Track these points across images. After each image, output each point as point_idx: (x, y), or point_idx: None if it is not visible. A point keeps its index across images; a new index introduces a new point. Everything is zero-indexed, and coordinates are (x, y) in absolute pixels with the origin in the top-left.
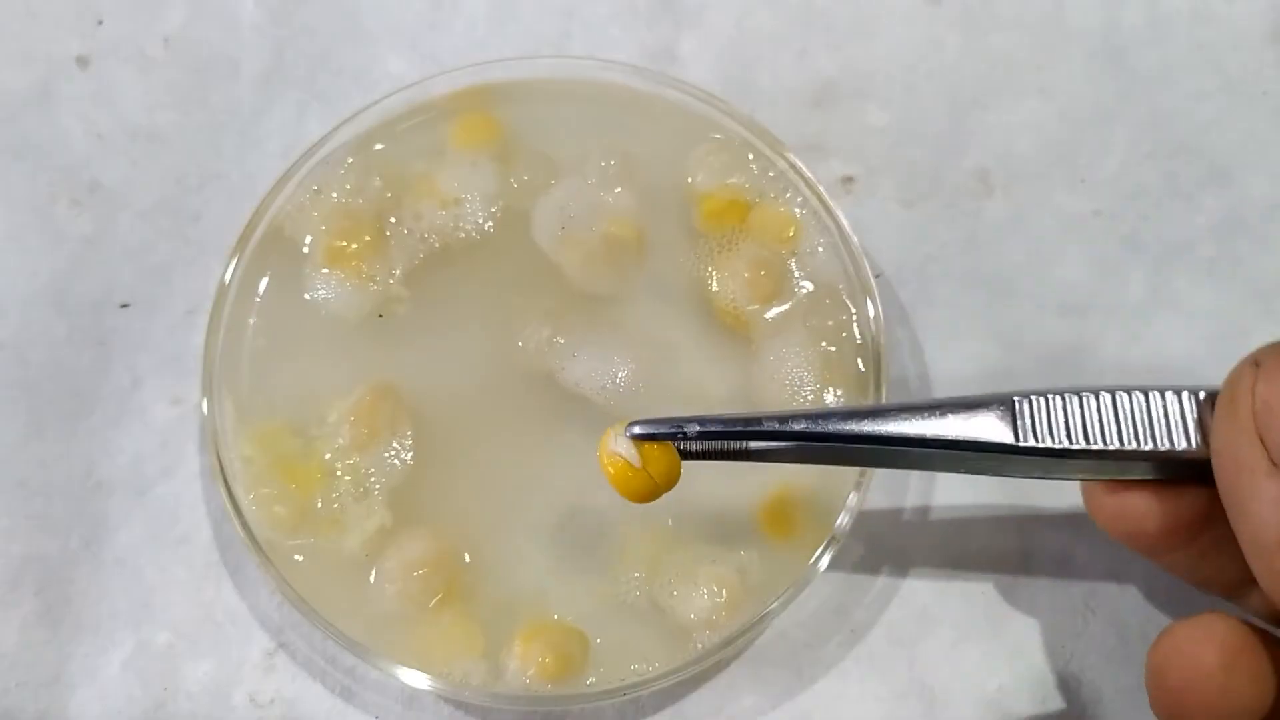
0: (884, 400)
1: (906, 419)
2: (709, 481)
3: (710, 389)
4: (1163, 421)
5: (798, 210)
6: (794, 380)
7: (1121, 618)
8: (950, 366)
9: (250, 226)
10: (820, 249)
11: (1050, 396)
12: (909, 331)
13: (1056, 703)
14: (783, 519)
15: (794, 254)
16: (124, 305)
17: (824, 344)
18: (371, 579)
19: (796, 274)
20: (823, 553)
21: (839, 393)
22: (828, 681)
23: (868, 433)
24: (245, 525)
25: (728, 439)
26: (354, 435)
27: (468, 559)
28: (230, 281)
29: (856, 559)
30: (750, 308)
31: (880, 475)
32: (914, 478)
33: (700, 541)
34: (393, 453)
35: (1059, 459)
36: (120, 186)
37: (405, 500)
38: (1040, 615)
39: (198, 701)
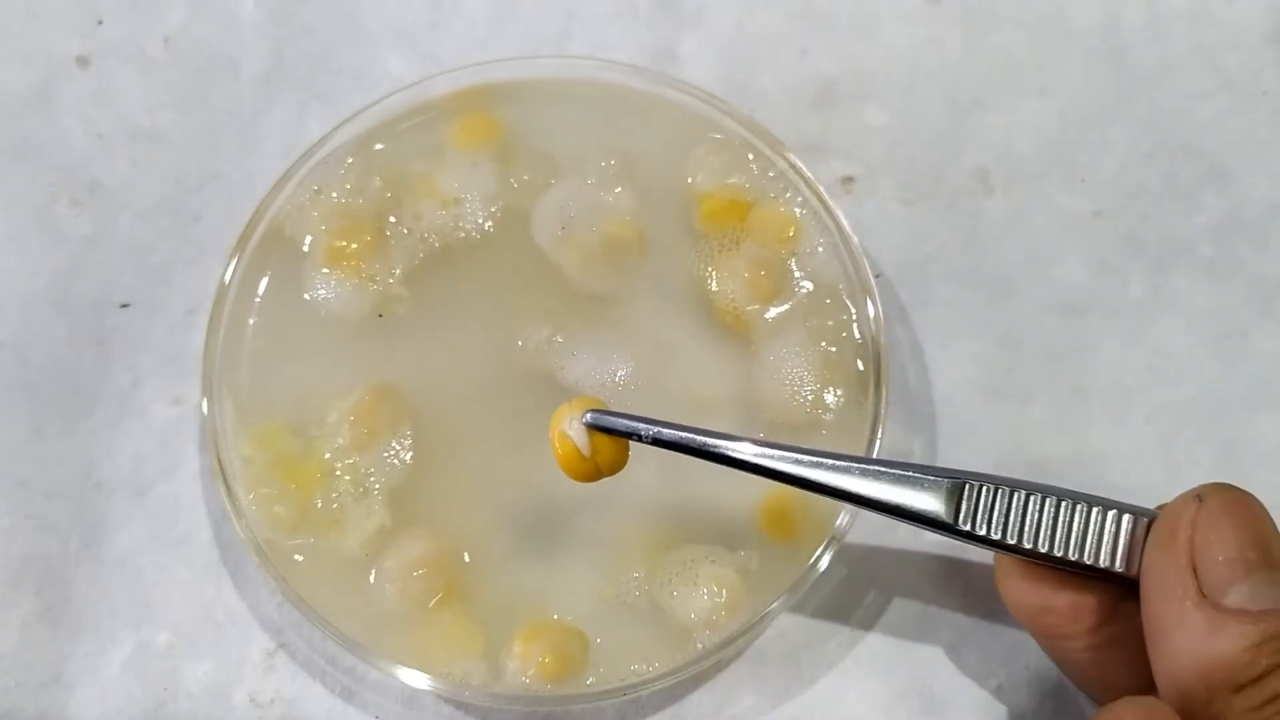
0: (883, 402)
1: (853, 475)
2: (709, 481)
3: (710, 389)
4: (1098, 538)
5: (798, 210)
6: (794, 380)
7: None
8: (950, 366)
9: (250, 226)
10: (820, 249)
11: (1000, 490)
12: (909, 331)
13: (1056, 703)
14: (783, 519)
15: (794, 254)
16: (124, 305)
17: (824, 344)
18: (371, 579)
19: (796, 274)
20: (823, 553)
21: (839, 392)
22: (828, 681)
23: (809, 478)
24: (245, 525)
25: (678, 451)
26: (354, 435)
27: (467, 558)
28: (230, 281)
29: (856, 559)
30: (750, 308)
31: None
32: None
33: (700, 541)
34: (392, 452)
35: (989, 545)
36: (120, 186)
37: (405, 500)
38: None
39: (198, 701)
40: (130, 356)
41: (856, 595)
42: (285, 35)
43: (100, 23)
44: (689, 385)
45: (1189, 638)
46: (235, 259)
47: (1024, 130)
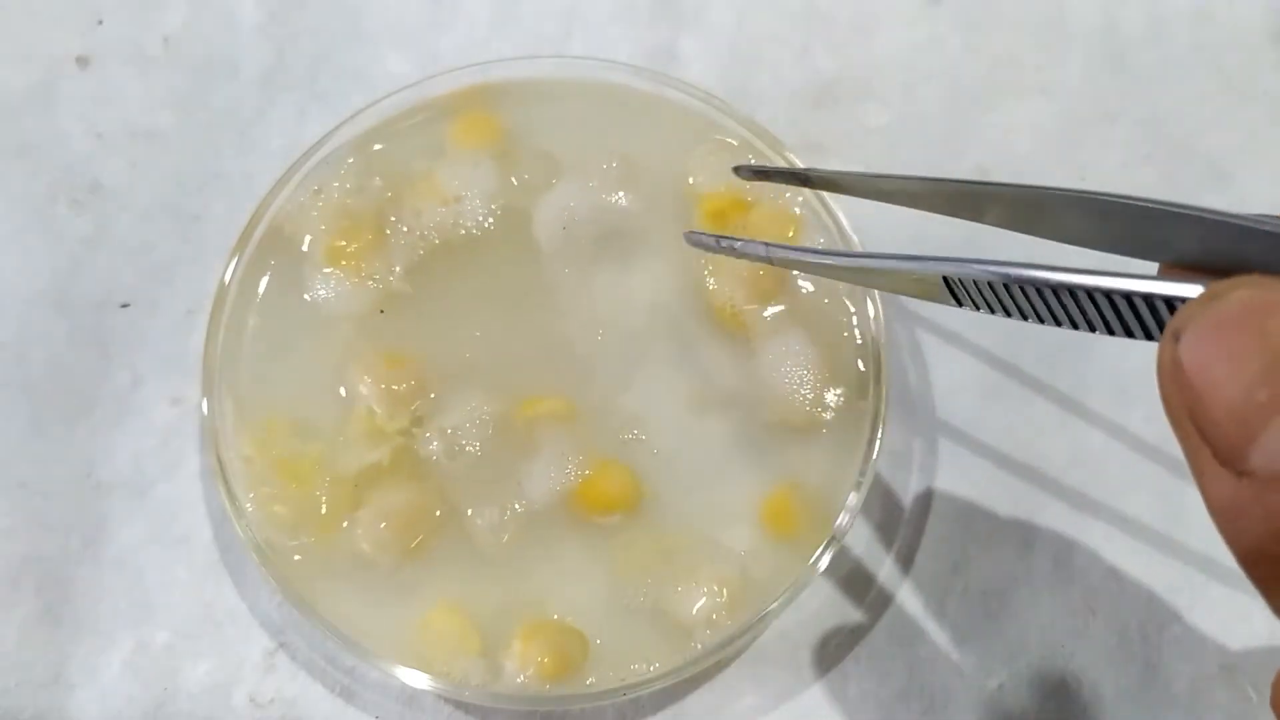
0: (883, 402)
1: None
2: (709, 481)
3: (710, 387)
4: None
5: (797, 210)
6: (794, 380)
7: (1121, 618)
8: (950, 366)
9: (250, 226)
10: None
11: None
12: (909, 331)
13: (1056, 703)
14: (783, 519)
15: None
16: (124, 305)
17: (824, 344)
18: (344, 525)
19: (797, 274)
20: (823, 553)
21: (839, 392)
22: (828, 681)
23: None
24: (245, 525)
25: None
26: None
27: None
28: (230, 281)
29: (856, 559)
30: (749, 307)
31: (881, 475)
32: (914, 478)
33: (701, 541)
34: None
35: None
36: (120, 186)
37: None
38: (1040, 615)
39: (198, 701)
40: (130, 356)
41: (856, 595)
42: (285, 35)
43: (100, 23)
44: (689, 384)
45: (1219, 519)
46: (235, 259)
47: (1024, 130)
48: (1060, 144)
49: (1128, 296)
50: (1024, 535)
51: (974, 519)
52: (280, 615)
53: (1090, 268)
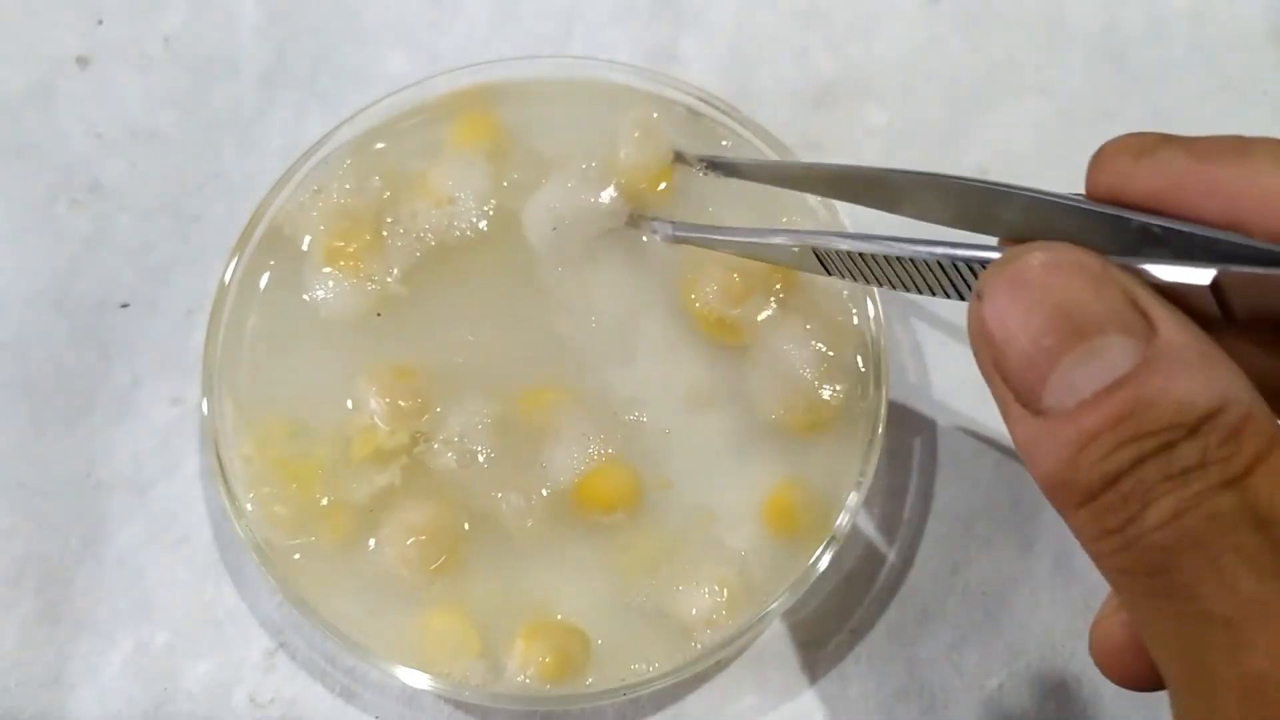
0: (883, 402)
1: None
2: (710, 481)
3: (710, 389)
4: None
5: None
6: (794, 380)
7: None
8: (950, 366)
9: (250, 226)
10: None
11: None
12: (909, 331)
13: (1056, 703)
14: (783, 519)
15: None
16: (124, 305)
17: (823, 344)
18: (371, 544)
19: (795, 273)
20: (823, 553)
21: (838, 389)
22: (828, 681)
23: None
24: (245, 525)
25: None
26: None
27: (467, 527)
28: (230, 281)
29: (856, 559)
30: (732, 311)
31: (880, 475)
32: (914, 478)
33: (701, 541)
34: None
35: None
36: (120, 186)
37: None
38: (1040, 615)
39: (198, 701)
40: (130, 356)
41: (856, 595)
42: (285, 35)
43: (100, 23)
44: (689, 385)
45: (1024, 456)
46: (235, 259)
47: (1024, 130)
48: (1060, 144)
49: (950, 262)
50: (1024, 535)
51: (974, 519)
52: (280, 615)
53: (926, 239)
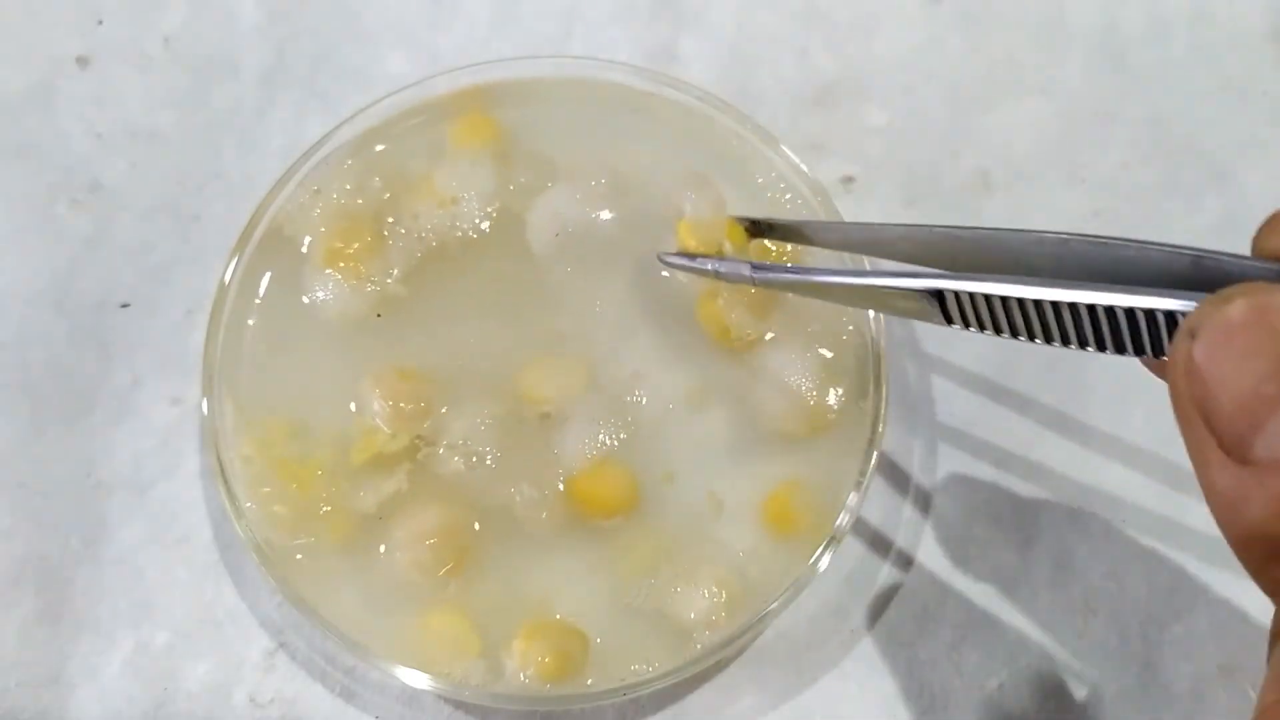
0: (883, 402)
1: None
2: (710, 482)
3: (710, 391)
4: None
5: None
6: (794, 381)
7: (1121, 618)
8: (950, 366)
9: (250, 226)
10: (820, 250)
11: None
12: (909, 331)
13: (1056, 703)
14: (783, 519)
15: (795, 256)
16: (124, 305)
17: (823, 345)
18: (381, 550)
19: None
20: (823, 553)
21: (839, 393)
22: (828, 681)
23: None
24: (245, 525)
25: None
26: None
27: (478, 526)
28: (230, 281)
29: (856, 559)
30: (760, 325)
31: (880, 475)
32: (914, 478)
33: (700, 541)
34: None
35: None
36: (120, 186)
37: (420, 476)
38: (1040, 615)
39: (198, 701)
40: (130, 356)
41: (856, 595)
42: (285, 35)
43: (100, 23)
44: (690, 386)
45: (1219, 506)
46: (235, 259)
47: (1024, 130)
48: (1060, 144)
49: (1121, 311)
50: (1024, 535)
51: (974, 519)
52: (280, 615)
53: (1078, 283)
